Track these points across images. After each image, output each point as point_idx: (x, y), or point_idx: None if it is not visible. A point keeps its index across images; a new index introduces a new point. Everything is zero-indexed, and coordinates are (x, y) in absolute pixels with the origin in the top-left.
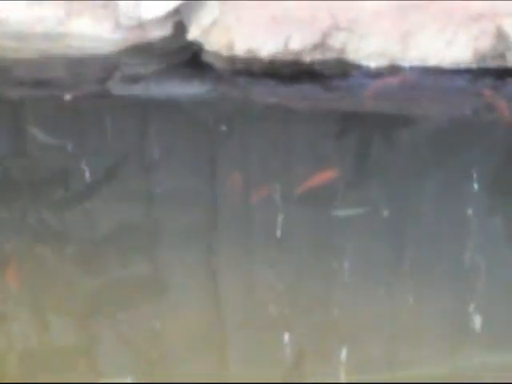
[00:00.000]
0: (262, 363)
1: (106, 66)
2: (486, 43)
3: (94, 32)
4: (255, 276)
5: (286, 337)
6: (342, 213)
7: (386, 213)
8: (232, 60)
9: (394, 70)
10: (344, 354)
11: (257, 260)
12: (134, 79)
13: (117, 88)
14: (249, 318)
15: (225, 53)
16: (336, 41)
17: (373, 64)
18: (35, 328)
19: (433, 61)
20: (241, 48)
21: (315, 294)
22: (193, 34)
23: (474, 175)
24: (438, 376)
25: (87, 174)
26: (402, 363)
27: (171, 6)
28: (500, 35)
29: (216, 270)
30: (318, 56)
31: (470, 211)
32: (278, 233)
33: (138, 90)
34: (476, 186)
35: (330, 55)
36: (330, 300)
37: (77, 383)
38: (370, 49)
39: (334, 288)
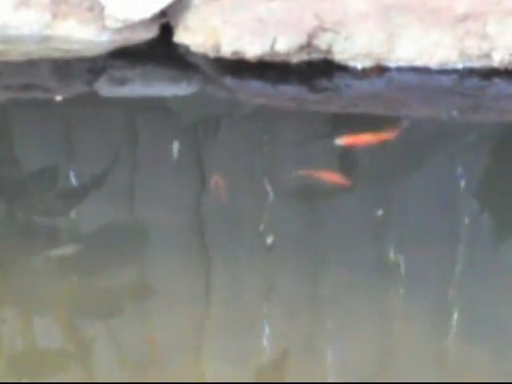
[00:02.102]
0: (251, 364)
1: (93, 68)
2: (471, 43)
3: (80, 34)
4: (243, 277)
5: (275, 337)
6: None
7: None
8: (219, 61)
9: (380, 70)
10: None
11: (245, 262)
12: (121, 81)
13: (104, 90)
14: (238, 319)
15: (211, 54)
16: (322, 42)
17: (359, 65)
18: (21, 331)
19: (419, 61)
20: (227, 50)
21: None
22: (179, 35)
23: (461, 176)
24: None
25: (73, 175)
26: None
27: (158, 8)
28: (485, 35)
29: (204, 271)
30: (304, 57)
31: (456, 213)
32: (265, 233)
33: (125, 91)
34: (462, 186)
35: (316, 56)
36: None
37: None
38: (355, 50)
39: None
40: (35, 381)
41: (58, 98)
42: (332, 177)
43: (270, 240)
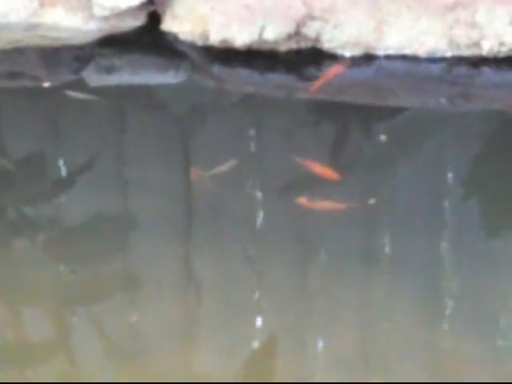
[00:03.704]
0: (239, 355)
1: (81, 56)
2: (460, 32)
3: (67, 22)
4: (231, 265)
5: (264, 328)
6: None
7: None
8: (207, 50)
9: (368, 58)
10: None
11: (232, 251)
12: (109, 69)
13: (92, 78)
14: (226, 309)
15: (200, 42)
16: (310, 30)
17: (348, 53)
18: (6, 320)
19: (408, 50)
20: (216, 38)
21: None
22: (167, 23)
23: (449, 164)
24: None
25: (60, 163)
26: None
27: None
28: (474, 24)
29: (192, 260)
30: (293, 45)
31: (445, 201)
32: (253, 223)
33: (112, 79)
34: (451, 174)
35: (305, 44)
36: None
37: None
38: (344, 38)
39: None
40: (24, 370)
41: (46, 84)
42: (322, 170)
43: (258, 229)
